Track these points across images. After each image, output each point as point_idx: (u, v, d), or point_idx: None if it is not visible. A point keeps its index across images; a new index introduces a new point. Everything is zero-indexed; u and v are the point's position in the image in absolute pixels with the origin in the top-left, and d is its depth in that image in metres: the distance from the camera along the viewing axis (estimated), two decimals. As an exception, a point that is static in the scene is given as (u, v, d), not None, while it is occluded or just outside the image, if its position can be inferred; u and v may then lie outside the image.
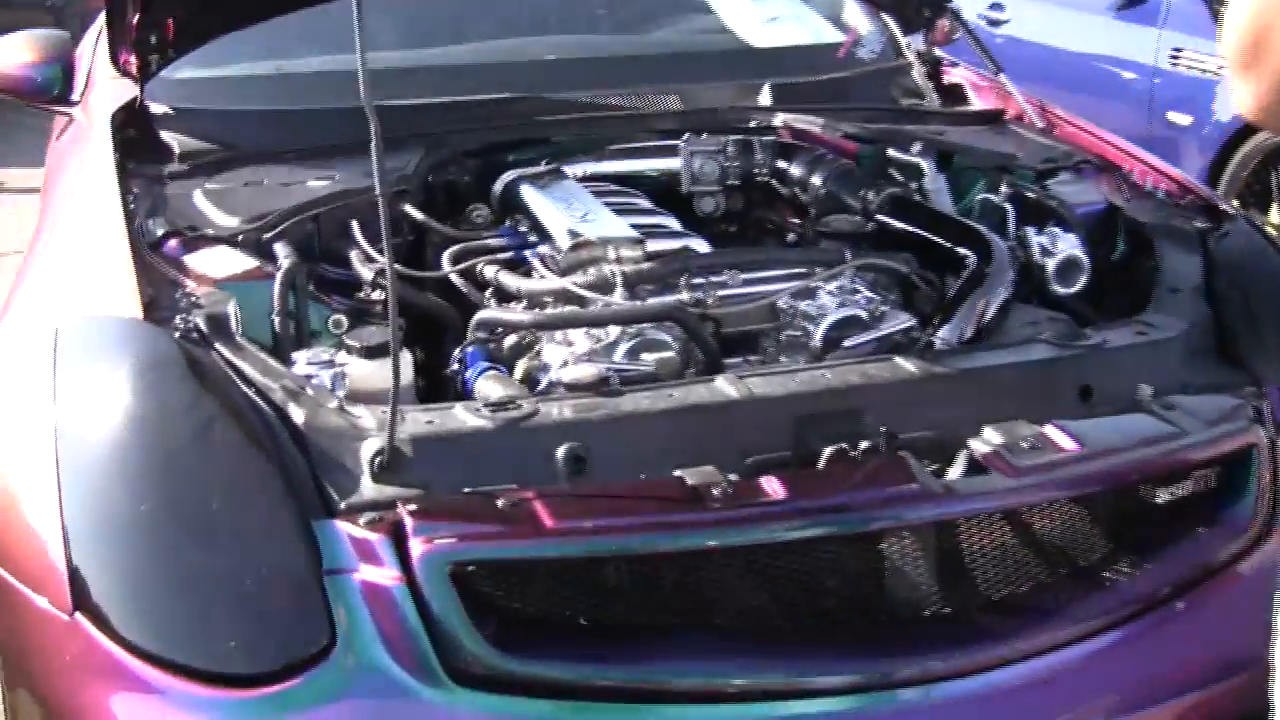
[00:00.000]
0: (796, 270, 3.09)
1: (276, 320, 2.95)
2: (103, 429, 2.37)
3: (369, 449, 2.36)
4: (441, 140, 3.55)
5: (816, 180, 3.59)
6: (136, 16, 3.42)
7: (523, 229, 3.32)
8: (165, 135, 3.60)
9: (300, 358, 2.81)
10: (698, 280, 2.99)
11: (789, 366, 2.74)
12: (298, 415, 2.44)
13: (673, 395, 2.56)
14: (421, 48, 4.21)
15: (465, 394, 2.75)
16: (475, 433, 2.43)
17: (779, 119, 3.87)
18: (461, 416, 2.46)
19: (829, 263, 3.08)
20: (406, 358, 2.71)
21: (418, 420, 2.43)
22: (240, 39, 3.65)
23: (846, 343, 2.88)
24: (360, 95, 2.17)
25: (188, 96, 3.81)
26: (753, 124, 3.85)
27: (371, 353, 2.80)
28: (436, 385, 2.88)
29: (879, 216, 3.39)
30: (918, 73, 4.32)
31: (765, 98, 4.08)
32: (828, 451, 2.49)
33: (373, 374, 2.71)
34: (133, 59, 3.58)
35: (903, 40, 4.39)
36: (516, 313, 3.01)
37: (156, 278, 2.88)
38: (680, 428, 2.52)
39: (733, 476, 2.38)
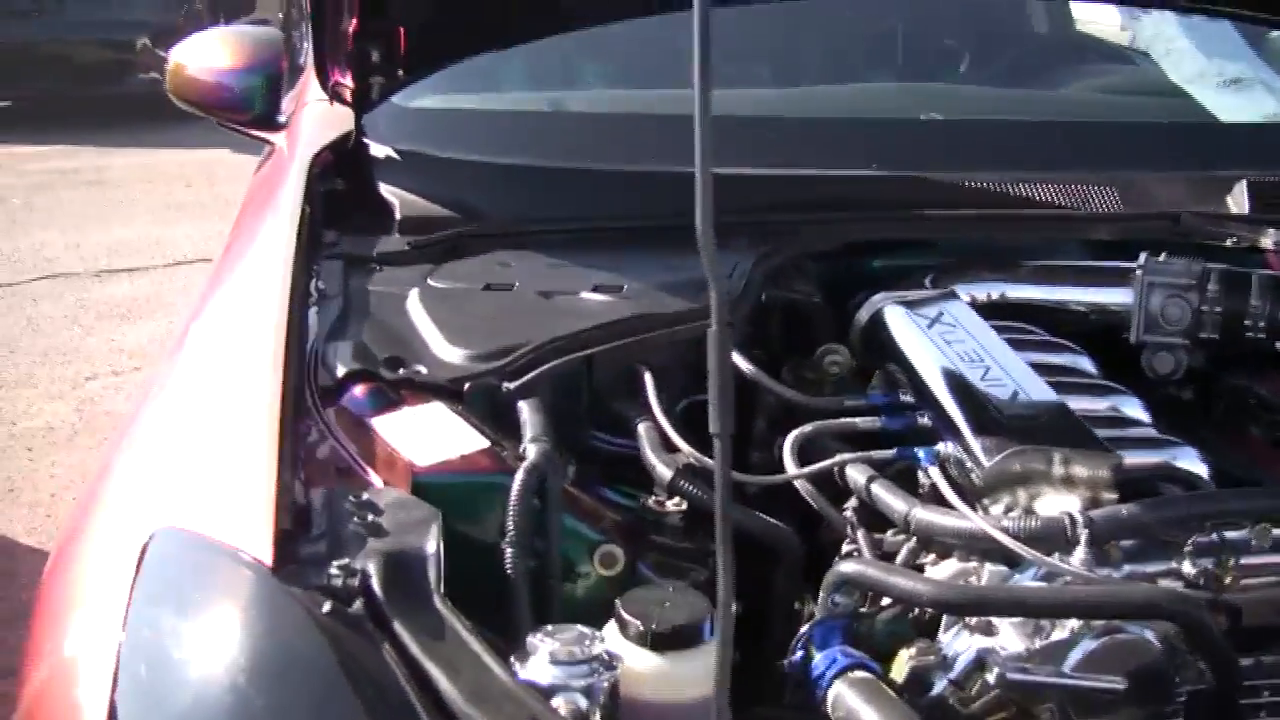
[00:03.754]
0: None
1: (509, 555, 1.85)
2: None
3: None
4: (779, 236, 2.59)
5: None
6: (353, 21, 2.63)
7: (905, 394, 2.30)
8: (386, 190, 2.71)
9: (539, 648, 1.65)
10: (1206, 540, 1.96)
11: None
12: None
13: None
14: (741, 86, 3.23)
15: (810, 701, 1.82)
16: None
17: (1269, 238, 2.79)
18: None
19: None
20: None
21: None
22: (512, 58, 2.89)
23: None
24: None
25: (424, 134, 2.93)
26: (1229, 243, 2.79)
27: (667, 641, 1.72)
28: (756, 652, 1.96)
29: None
30: None
31: (1240, 199, 2.97)
32: None
33: (666, 675, 1.71)
34: (347, 79, 2.79)
35: None
36: (909, 577, 1.88)
37: (317, 464, 1.94)
38: None
39: None
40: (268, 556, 1.66)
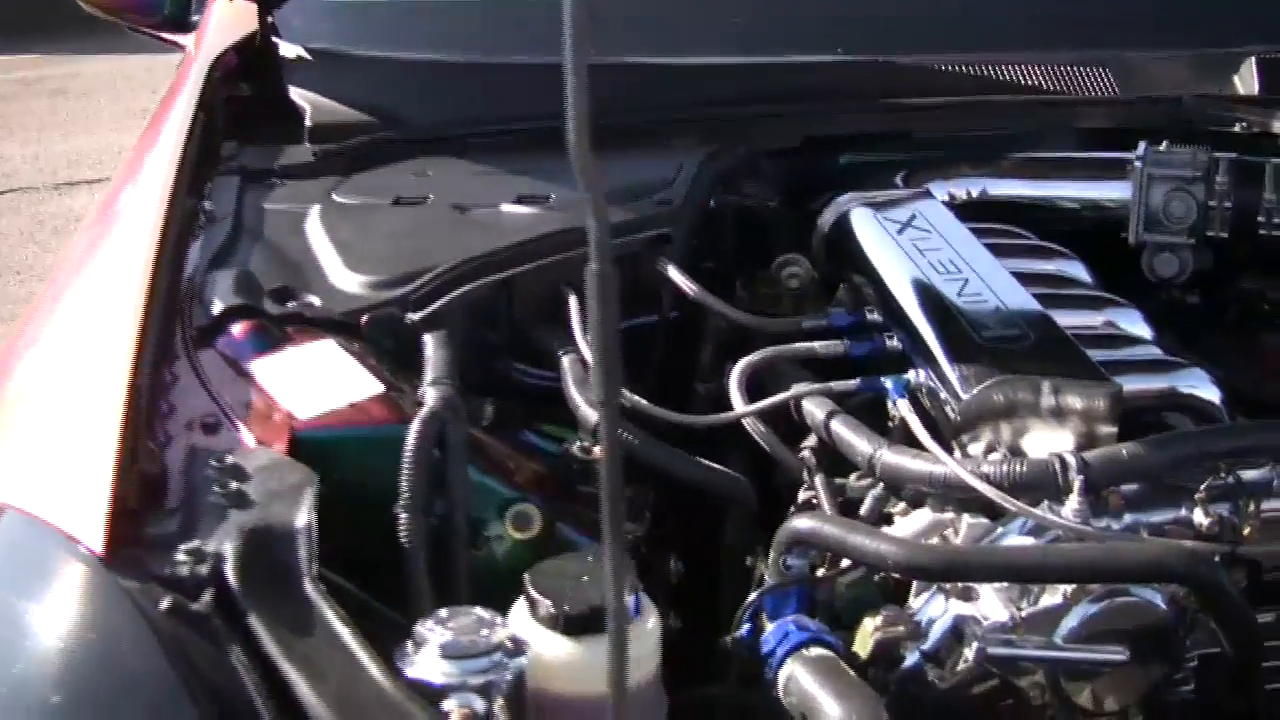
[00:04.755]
0: None
1: (402, 521, 1.57)
2: None
3: None
4: (730, 132, 2.33)
5: None
6: None
7: (872, 314, 2.00)
8: (297, 95, 2.44)
9: (428, 639, 1.37)
10: (1221, 482, 1.67)
11: None
12: None
13: None
14: None
15: (765, 682, 1.58)
16: None
17: None
18: None
19: None
20: (651, 629, 1.48)
21: None
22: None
23: None
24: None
25: (340, 31, 2.67)
26: (1238, 128, 2.49)
27: (584, 624, 1.43)
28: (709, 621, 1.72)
29: None
30: None
31: (1248, 79, 2.67)
32: None
33: (583, 664, 1.44)
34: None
35: None
36: (872, 535, 1.60)
37: (181, 422, 1.65)
38: None
39: None
40: (100, 541, 1.39)
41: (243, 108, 2.49)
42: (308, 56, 2.52)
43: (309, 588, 1.41)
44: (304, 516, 1.47)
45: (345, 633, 1.36)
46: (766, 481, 1.88)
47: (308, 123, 2.38)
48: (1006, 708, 1.60)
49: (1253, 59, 2.68)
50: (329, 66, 2.50)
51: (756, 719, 1.60)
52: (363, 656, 1.34)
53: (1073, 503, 1.60)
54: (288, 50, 2.53)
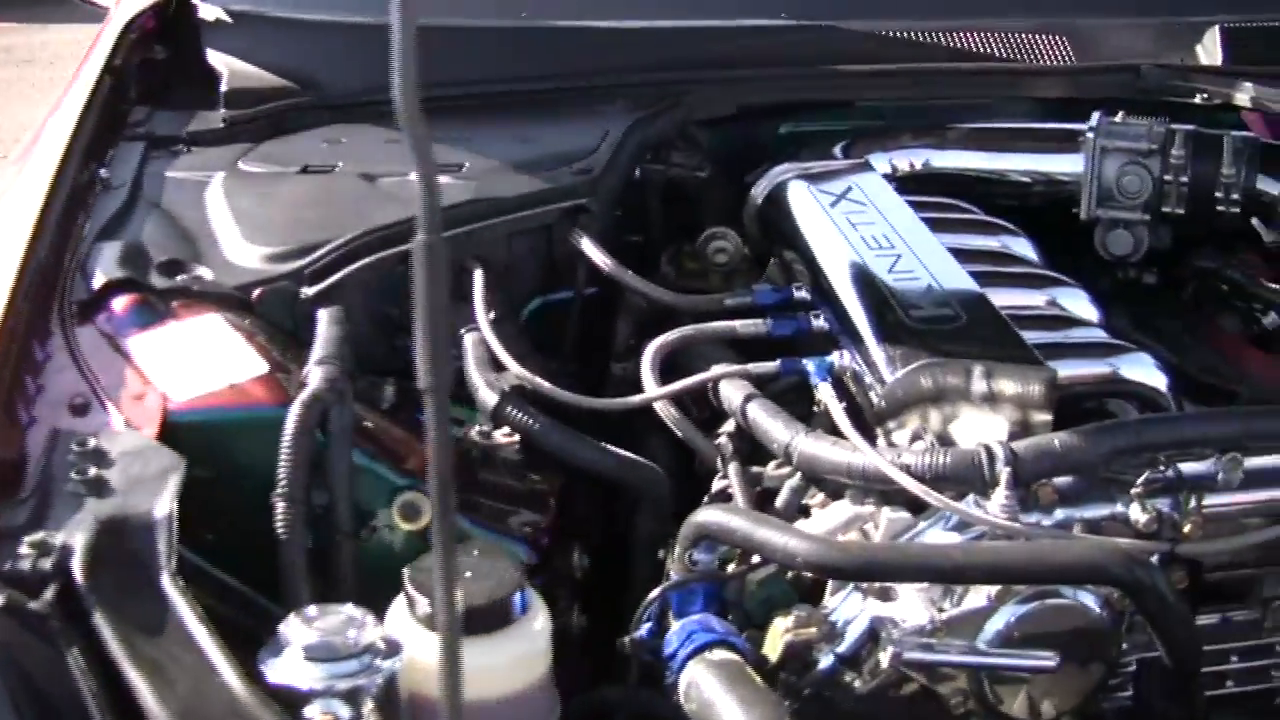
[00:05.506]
0: None
1: (279, 510, 1.47)
2: None
3: None
4: (662, 99, 2.24)
5: None
6: None
7: (799, 291, 1.88)
8: (215, 58, 2.34)
9: (292, 640, 1.26)
10: (1160, 475, 1.55)
11: None
12: None
13: None
14: None
15: (666, 687, 1.50)
16: None
17: (1244, 94, 2.39)
18: None
19: None
20: (540, 629, 1.40)
21: None
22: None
23: None
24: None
25: None
26: (1198, 99, 2.41)
27: (465, 623, 1.25)
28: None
29: None
30: None
31: (1211, 48, 2.57)
32: None
33: (471, 669, 1.18)
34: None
35: None
36: (782, 530, 1.49)
37: (49, 402, 1.56)
38: None
39: None
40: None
41: (159, 72, 2.39)
42: (227, 19, 2.40)
43: (166, 583, 1.31)
44: (165, 505, 1.37)
45: (201, 633, 1.27)
46: (691, 469, 1.78)
47: (223, 88, 2.28)
48: (928, 714, 1.50)
49: (1216, 28, 2.60)
50: (249, 29, 2.40)
51: None
52: (218, 660, 1.25)
53: (1000, 497, 1.48)
54: (207, 12, 2.43)
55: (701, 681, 1.43)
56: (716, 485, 1.69)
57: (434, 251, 0.89)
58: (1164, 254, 2.29)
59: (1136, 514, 1.52)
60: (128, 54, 2.32)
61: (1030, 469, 1.51)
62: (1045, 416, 1.59)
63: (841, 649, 1.48)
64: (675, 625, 1.51)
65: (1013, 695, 1.49)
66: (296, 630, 1.28)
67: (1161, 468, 1.55)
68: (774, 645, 1.50)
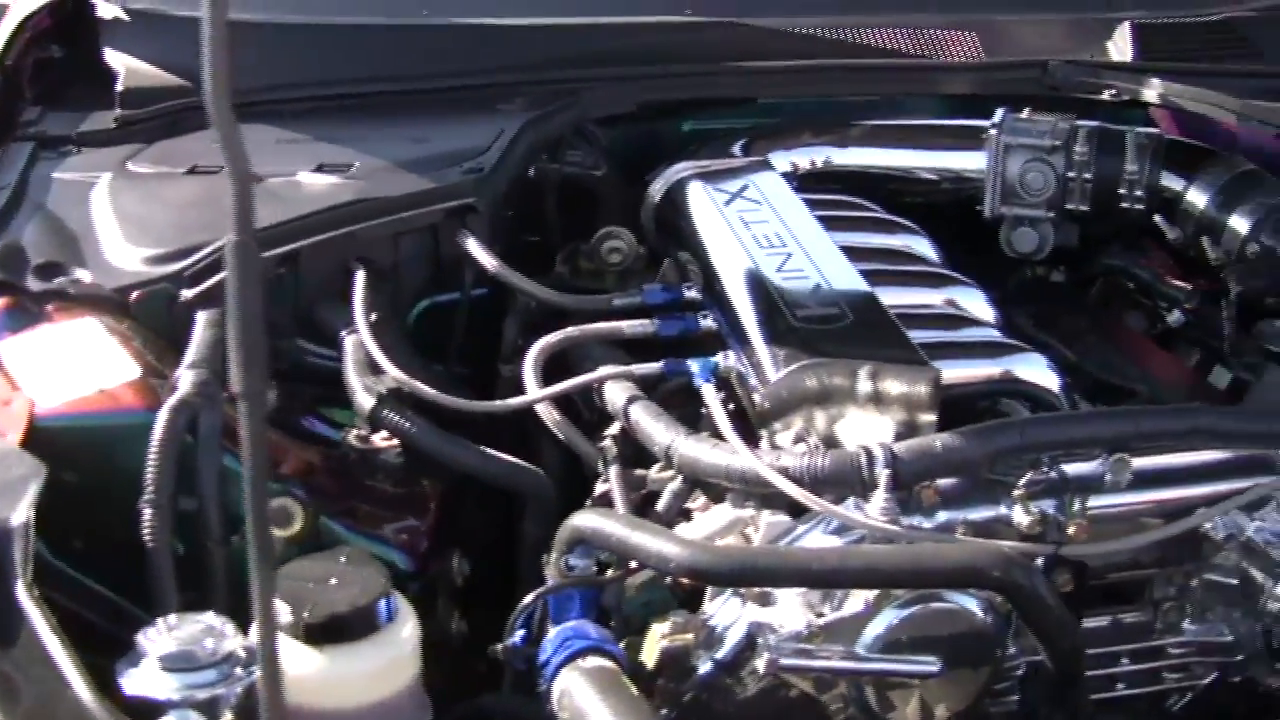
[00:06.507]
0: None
1: (146, 517, 1.45)
2: None
3: None
4: (560, 97, 2.23)
5: (1240, 224, 2.07)
6: None
7: (690, 291, 1.86)
8: (113, 58, 2.30)
9: (149, 649, 1.24)
10: (1044, 477, 1.52)
11: None
12: None
13: None
14: None
15: (541, 693, 1.46)
16: None
17: (1153, 90, 2.36)
18: None
19: None
20: (407, 636, 1.38)
21: None
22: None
23: None
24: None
25: None
26: (1106, 96, 2.39)
27: (328, 633, 1.33)
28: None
29: None
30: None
31: (1122, 45, 2.56)
32: None
33: (328, 676, 1.33)
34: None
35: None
36: (657, 535, 1.47)
37: None
38: None
39: None
40: None
41: (55, 72, 2.35)
42: (125, 17, 2.36)
43: (19, 593, 1.28)
44: (22, 514, 1.34)
45: (54, 644, 1.24)
46: (577, 475, 1.75)
47: (119, 87, 2.24)
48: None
49: (1127, 24, 2.59)
50: (147, 27, 2.36)
51: None
52: (69, 671, 1.23)
53: (879, 499, 1.45)
54: (105, 10, 2.38)
55: (574, 689, 1.40)
56: (599, 489, 1.66)
57: (245, 252, 0.86)
58: (1073, 252, 2.27)
59: (1019, 516, 1.50)
60: (21, 53, 2.28)
61: (911, 470, 1.48)
62: (930, 417, 1.56)
63: (720, 655, 1.46)
64: (551, 631, 1.48)
65: (904, 700, 1.47)
66: (154, 640, 1.27)
67: (1045, 469, 1.53)
68: (651, 652, 1.47)
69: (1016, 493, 1.50)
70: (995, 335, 1.82)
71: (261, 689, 0.95)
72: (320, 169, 1.97)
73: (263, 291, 0.90)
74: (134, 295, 1.72)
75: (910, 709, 1.47)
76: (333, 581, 1.36)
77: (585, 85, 2.26)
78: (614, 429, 1.69)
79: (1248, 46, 2.63)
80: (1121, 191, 2.16)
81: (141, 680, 1.24)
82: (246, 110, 2.16)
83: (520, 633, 1.50)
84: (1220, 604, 1.60)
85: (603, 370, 1.72)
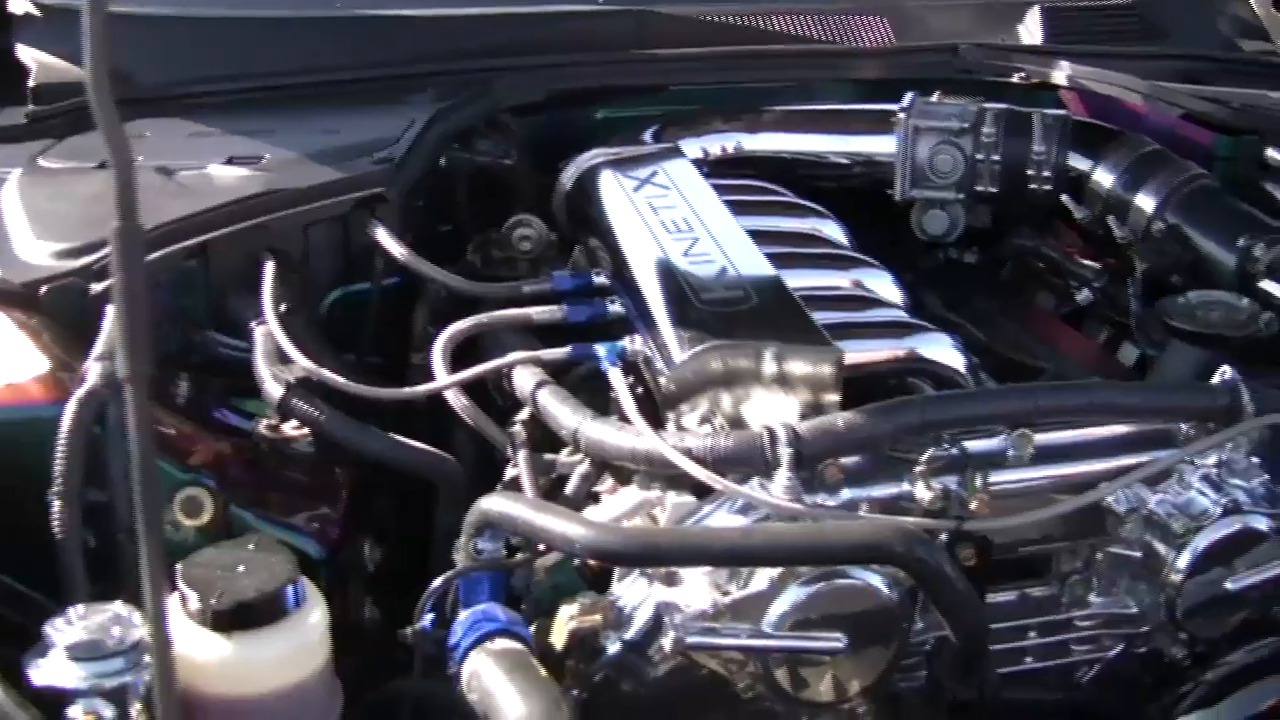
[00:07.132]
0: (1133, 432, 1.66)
1: (55, 509, 1.44)
2: None
3: None
4: (471, 86, 2.23)
5: (1146, 203, 2.11)
6: None
7: (599, 276, 1.87)
8: (25, 53, 2.30)
9: (56, 639, 1.25)
10: (944, 453, 1.54)
11: None
12: None
13: None
14: None
15: (451, 676, 1.45)
16: None
17: (1062, 72, 2.39)
18: None
19: (1206, 414, 1.63)
20: (316, 622, 1.37)
21: None
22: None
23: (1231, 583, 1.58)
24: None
25: None
26: (1016, 79, 2.42)
27: (235, 619, 1.32)
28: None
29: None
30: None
31: (1033, 28, 2.60)
32: None
33: (236, 663, 1.33)
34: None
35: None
36: (562, 517, 1.46)
37: None
38: None
39: None
40: None
41: None
42: (36, 12, 2.36)
43: None
44: None
45: None
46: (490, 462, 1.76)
47: (31, 82, 2.24)
48: (719, 698, 1.49)
49: (1037, 7, 2.64)
50: (59, 22, 2.34)
51: (443, 716, 1.47)
52: None
53: (782, 478, 1.47)
54: (16, 5, 2.38)
55: (483, 671, 1.40)
56: (508, 474, 1.67)
57: (130, 237, 0.87)
58: (985, 233, 2.30)
59: (921, 492, 1.51)
60: None
61: (813, 449, 1.49)
62: (834, 397, 1.58)
63: (628, 635, 1.47)
64: (461, 615, 1.49)
65: (817, 678, 1.48)
66: (62, 630, 1.27)
67: (946, 445, 1.54)
68: (560, 633, 1.49)
69: (918, 469, 1.52)
70: (901, 316, 1.85)
71: (153, 664, 0.95)
72: (231, 161, 1.97)
73: (147, 276, 0.90)
74: (43, 289, 1.72)
75: (824, 686, 1.49)
76: (240, 569, 1.36)
77: (496, 75, 2.27)
78: (523, 414, 1.70)
79: (1154, 29, 2.67)
80: (1030, 172, 2.19)
81: (49, 670, 1.24)
82: (158, 105, 2.19)
83: (429, 616, 1.50)
84: (1125, 576, 1.62)
85: (511, 356, 1.72)
